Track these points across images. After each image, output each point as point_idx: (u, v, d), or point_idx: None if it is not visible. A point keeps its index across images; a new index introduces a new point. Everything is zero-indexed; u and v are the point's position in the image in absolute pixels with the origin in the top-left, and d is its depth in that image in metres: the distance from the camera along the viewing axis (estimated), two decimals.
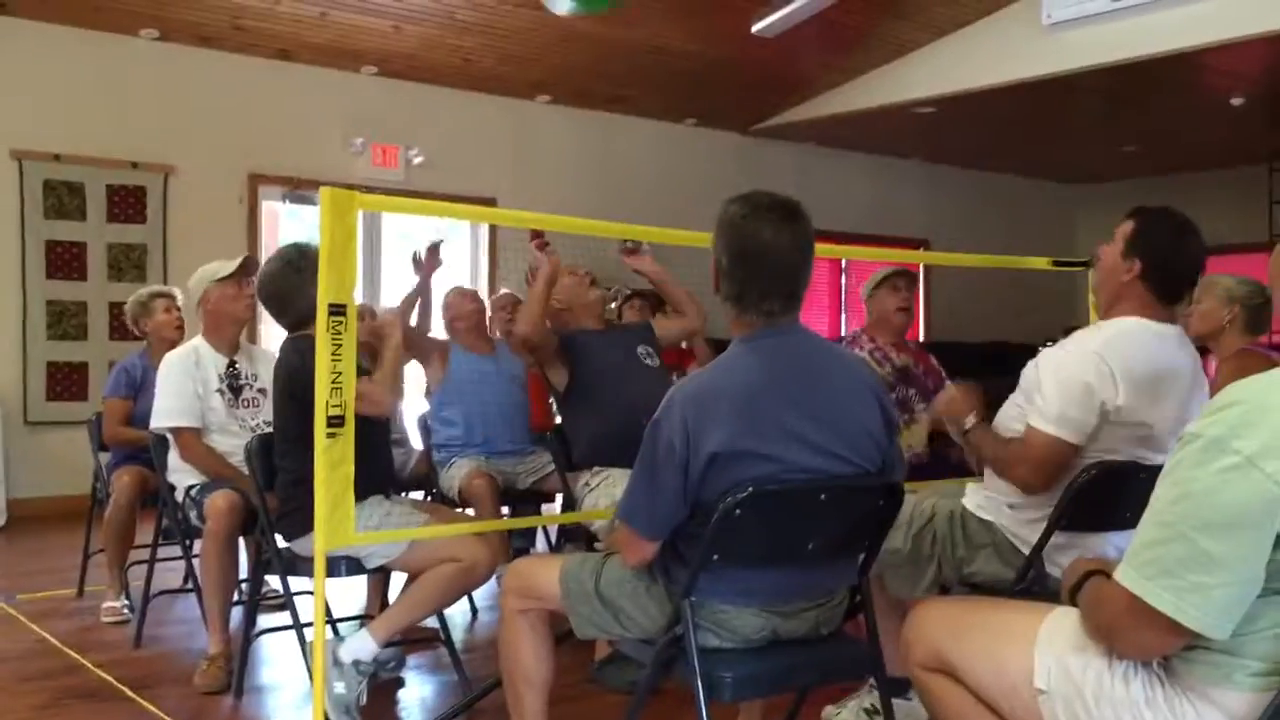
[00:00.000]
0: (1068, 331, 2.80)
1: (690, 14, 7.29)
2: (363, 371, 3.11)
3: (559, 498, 4.56)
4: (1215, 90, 8.26)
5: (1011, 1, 7.69)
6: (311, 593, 2.89)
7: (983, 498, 2.74)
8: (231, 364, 4.03)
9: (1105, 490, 2.48)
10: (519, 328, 3.82)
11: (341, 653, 3.14)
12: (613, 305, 5.91)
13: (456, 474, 4.49)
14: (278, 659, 3.94)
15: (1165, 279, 2.57)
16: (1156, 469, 1.53)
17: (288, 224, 8.05)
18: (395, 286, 8.12)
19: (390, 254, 8.41)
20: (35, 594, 4.85)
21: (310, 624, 2.90)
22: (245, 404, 4.01)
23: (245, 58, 7.65)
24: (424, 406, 4.90)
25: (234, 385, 4.01)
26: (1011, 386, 2.72)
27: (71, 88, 7.14)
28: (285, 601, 3.36)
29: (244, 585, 4.07)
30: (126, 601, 4.44)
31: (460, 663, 3.50)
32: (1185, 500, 1.44)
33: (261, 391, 4.01)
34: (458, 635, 4.08)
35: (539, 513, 4.91)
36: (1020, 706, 1.73)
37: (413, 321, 4.68)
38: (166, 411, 3.89)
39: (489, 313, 5.39)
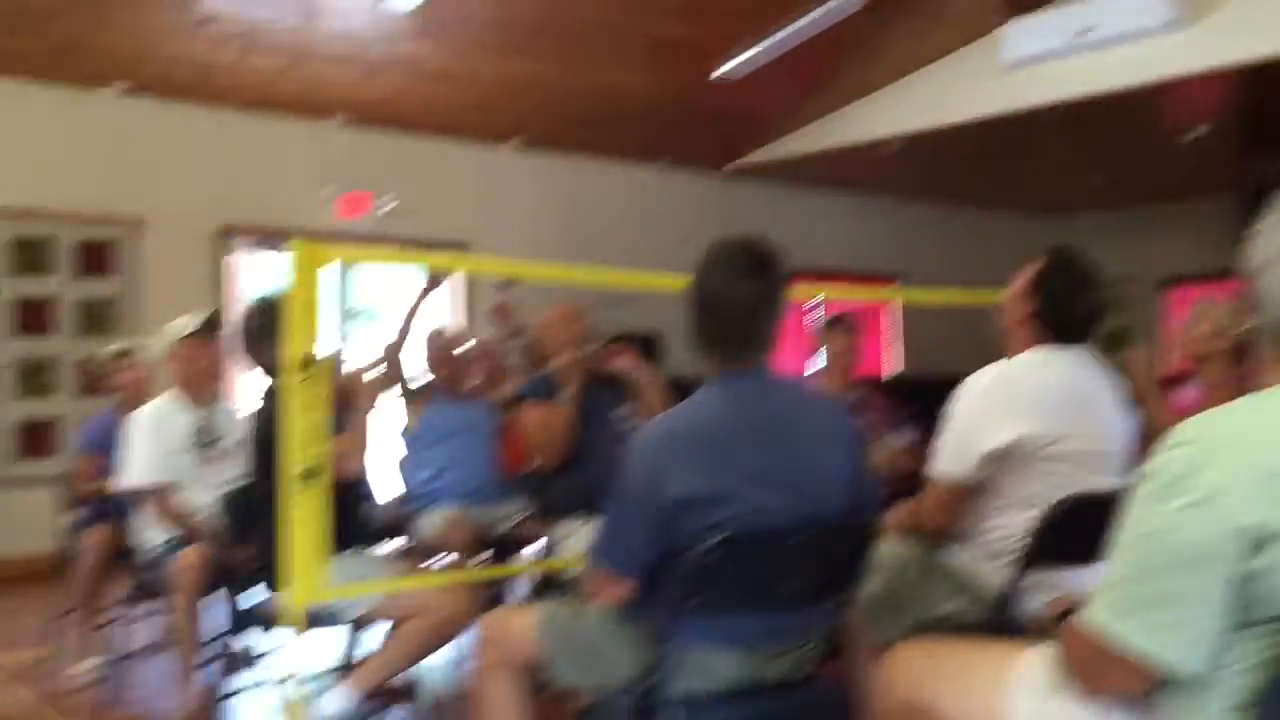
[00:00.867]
0: None
1: (654, 60, 7.37)
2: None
3: (533, 545, 4.54)
4: (1176, 123, 8.38)
5: (971, 40, 7.80)
6: (287, 647, 2.85)
7: (956, 542, 2.75)
8: (201, 419, 4.01)
9: (1071, 526, 2.49)
10: (547, 459, 3.89)
11: (321, 707, 3.10)
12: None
13: (432, 522, 4.46)
14: (254, 716, 3.88)
15: (1057, 323, 2.65)
16: (1116, 498, 1.53)
17: (260, 275, 8.02)
18: (367, 337, 8.11)
19: (362, 303, 8.39)
20: (5, 655, 4.77)
21: (288, 678, 2.87)
22: (216, 459, 3.98)
23: (214, 110, 7.65)
24: (396, 454, 4.87)
25: (203, 441, 3.98)
26: None
27: (39, 142, 7.12)
28: (259, 657, 3.32)
29: (217, 642, 4.02)
30: (98, 661, 4.37)
31: (444, 716, 3.46)
32: (1148, 539, 1.45)
33: (232, 446, 3.99)
34: (438, 687, 4.05)
35: (513, 561, 4.87)
36: None
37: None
38: (135, 469, 3.86)
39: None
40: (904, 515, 2.82)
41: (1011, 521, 2.60)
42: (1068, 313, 2.69)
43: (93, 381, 4.66)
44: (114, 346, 4.80)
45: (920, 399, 4.60)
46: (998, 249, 12.36)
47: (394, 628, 3.25)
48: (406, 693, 3.70)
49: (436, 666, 4.38)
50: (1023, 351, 2.71)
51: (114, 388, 4.66)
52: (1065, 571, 2.58)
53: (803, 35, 6.94)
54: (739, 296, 2.25)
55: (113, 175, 7.36)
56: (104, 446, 4.50)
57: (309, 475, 2.76)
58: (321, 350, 2.83)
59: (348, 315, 8.31)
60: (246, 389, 3.69)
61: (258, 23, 6.42)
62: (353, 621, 3.26)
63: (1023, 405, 2.56)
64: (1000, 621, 2.58)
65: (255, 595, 3.26)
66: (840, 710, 2.47)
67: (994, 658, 1.82)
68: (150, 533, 3.87)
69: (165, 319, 4.30)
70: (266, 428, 3.12)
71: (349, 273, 8.27)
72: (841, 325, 4.59)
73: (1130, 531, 1.48)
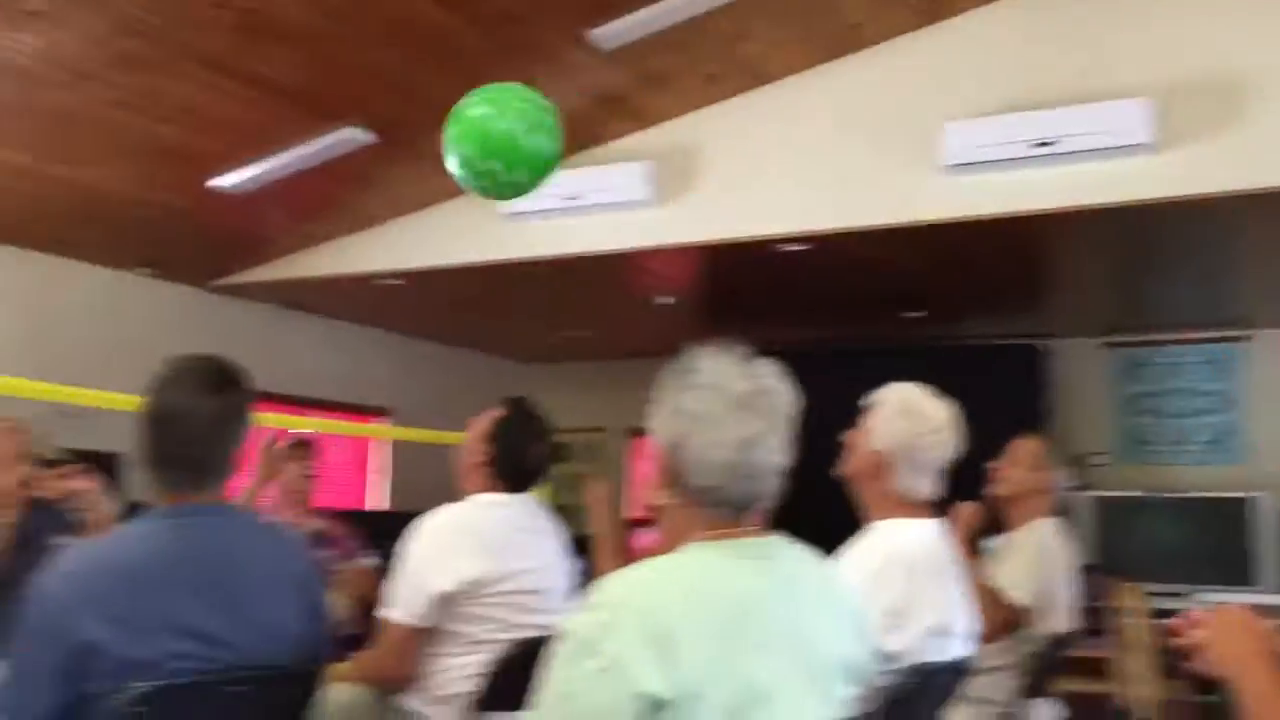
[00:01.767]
0: None
1: (145, 160, 6.94)
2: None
3: None
4: (648, 288, 9.23)
5: None
6: None
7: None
8: None
9: (522, 669, 2.53)
10: None
11: None
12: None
13: None
14: None
15: (510, 470, 2.84)
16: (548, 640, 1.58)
17: None
18: None
19: None
20: None
21: None
22: None
23: None
24: None
25: None
26: None
27: None
28: None
29: None
30: None
31: None
32: (564, 701, 1.50)
33: None
34: None
35: None
36: None
37: None
38: None
39: None
40: (361, 666, 2.73)
41: (459, 664, 2.60)
42: (520, 461, 2.82)
43: None
44: None
45: (401, 534, 4.56)
46: (487, 390, 12.78)
47: None
48: None
49: None
50: (476, 493, 2.79)
51: None
52: (518, 715, 2.60)
53: (309, 161, 6.87)
54: (199, 414, 2.10)
55: None
56: None
57: None
58: None
59: None
60: None
61: None
62: None
63: (472, 547, 2.61)
64: None
65: None
66: None
67: None
68: None
69: None
70: None
71: None
72: (307, 447, 4.48)
73: (548, 690, 1.52)
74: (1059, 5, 6.25)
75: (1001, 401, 7.23)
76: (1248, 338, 9.57)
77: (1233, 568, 8.52)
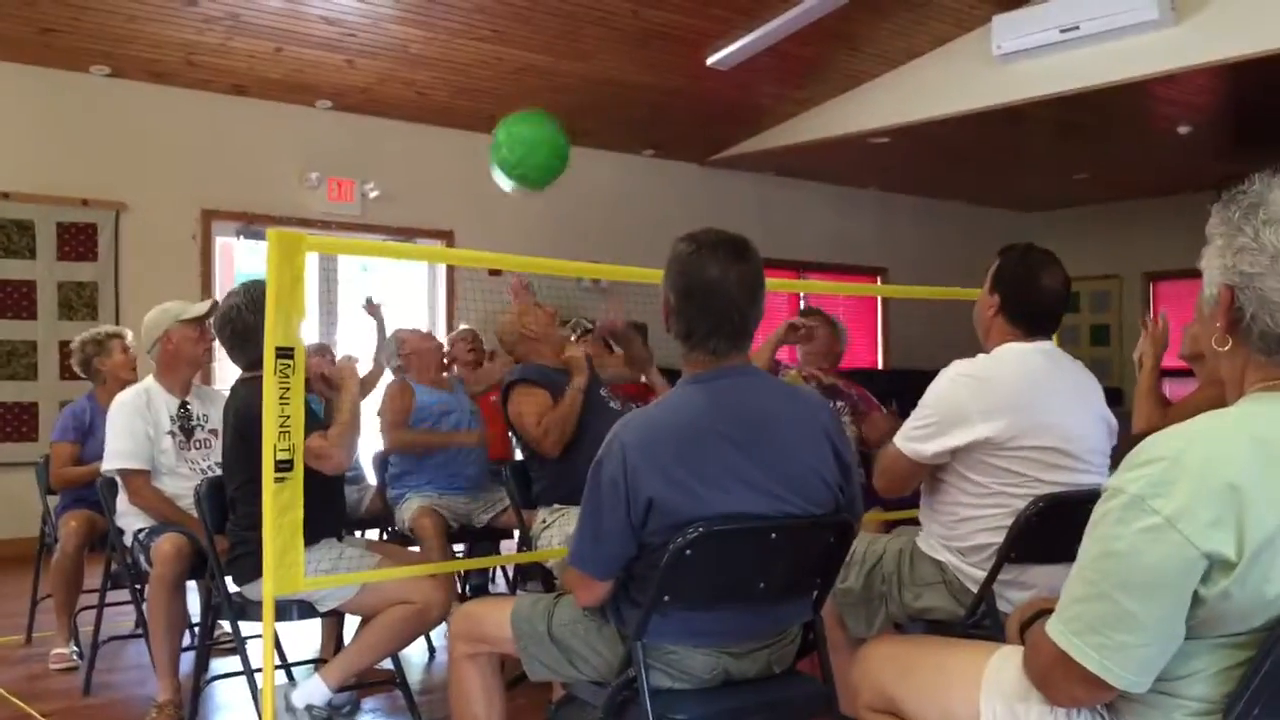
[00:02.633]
0: None
1: (644, 46, 7.34)
2: (315, 417, 3.08)
3: (517, 534, 4.53)
4: (1163, 119, 8.40)
5: (963, 33, 7.80)
6: (265, 635, 2.84)
7: (933, 537, 2.75)
8: (184, 405, 3.98)
9: (1049, 523, 2.49)
10: (549, 448, 3.78)
11: (294, 698, 3.09)
12: (572, 339, 5.94)
13: (407, 511, 4.46)
14: (230, 705, 3.87)
15: (1021, 312, 2.67)
16: (1092, 497, 1.53)
17: (243, 260, 7.98)
18: (352, 324, 8.07)
19: (347, 291, 8.33)
20: None
21: (261, 669, 2.86)
22: (197, 446, 3.96)
23: (198, 93, 7.60)
24: (379, 443, 4.85)
25: (186, 427, 3.95)
26: None
27: (21, 124, 7.07)
28: (237, 646, 3.31)
29: (195, 630, 4.00)
30: (75, 648, 4.35)
31: (415, 706, 3.45)
32: (1108, 559, 1.44)
33: (213, 433, 3.96)
34: (415, 677, 4.04)
35: (497, 550, 4.87)
36: None
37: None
38: (116, 454, 3.83)
39: (446, 349, 5.37)
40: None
41: (984, 516, 2.60)
42: (1031, 301, 2.70)
43: (78, 365, 4.59)
44: (100, 330, 4.75)
45: (903, 394, 4.59)
46: (982, 243, 12.41)
47: (368, 618, 3.24)
48: (383, 682, 3.69)
49: (415, 655, 4.38)
50: (996, 346, 2.72)
51: (97, 371, 4.60)
52: (1042, 569, 2.58)
53: (795, 25, 6.91)
54: (732, 283, 2.23)
55: (95, 158, 7.31)
56: (82, 432, 4.47)
57: (284, 466, 2.74)
58: (302, 339, 2.81)
59: (332, 306, 8.26)
60: (229, 375, 3.67)
61: (244, 6, 6.38)
62: (331, 611, 3.25)
63: (989, 403, 2.56)
64: (975, 619, 2.59)
65: (233, 583, 3.25)
66: (815, 705, 2.47)
67: (965, 658, 1.81)
68: (130, 519, 3.85)
69: (145, 303, 4.26)
70: (245, 416, 3.10)
71: (333, 260, 8.22)
72: (819, 317, 4.56)
73: (1091, 549, 1.47)
74: None
75: None
76: None
77: None
